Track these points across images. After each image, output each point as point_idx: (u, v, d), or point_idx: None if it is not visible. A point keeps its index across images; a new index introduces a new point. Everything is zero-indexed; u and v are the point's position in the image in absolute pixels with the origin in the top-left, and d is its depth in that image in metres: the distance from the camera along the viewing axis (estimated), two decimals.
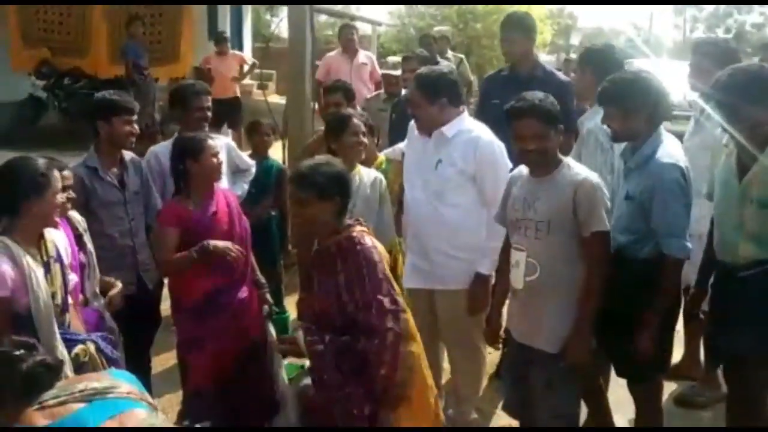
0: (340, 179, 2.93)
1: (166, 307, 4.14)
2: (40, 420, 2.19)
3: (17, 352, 2.28)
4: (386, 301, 2.77)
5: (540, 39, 23.86)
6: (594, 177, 3.10)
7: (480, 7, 20.44)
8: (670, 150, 3.14)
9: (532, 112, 3.04)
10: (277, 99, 10.48)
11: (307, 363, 4.77)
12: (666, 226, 3.03)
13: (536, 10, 22.65)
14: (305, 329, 2.92)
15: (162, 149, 4.16)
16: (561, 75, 4.72)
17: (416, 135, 3.76)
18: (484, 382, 4.16)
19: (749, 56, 10.12)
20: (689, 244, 3.06)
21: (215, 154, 3.52)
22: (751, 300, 3.01)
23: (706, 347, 3.62)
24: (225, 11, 13.33)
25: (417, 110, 3.64)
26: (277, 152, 7.00)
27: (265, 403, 3.68)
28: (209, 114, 4.17)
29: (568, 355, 3.06)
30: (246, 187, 4.21)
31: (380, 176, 3.91)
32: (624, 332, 3.10)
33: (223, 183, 3.96)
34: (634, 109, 3.12)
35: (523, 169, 3.25)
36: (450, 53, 9.59)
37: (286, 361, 4.40)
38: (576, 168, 3.12)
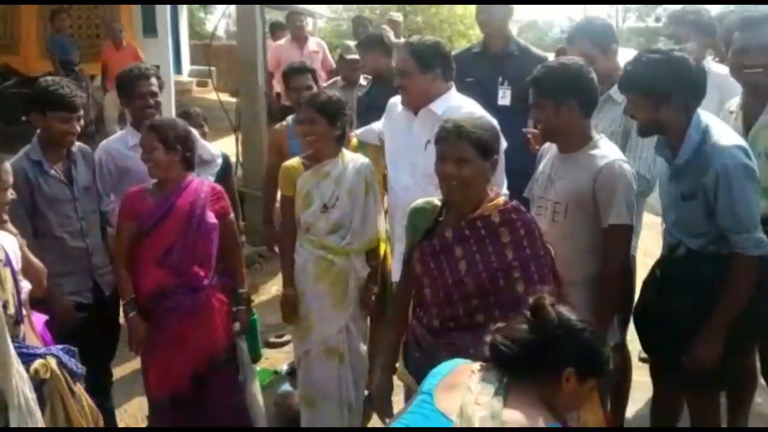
0: (498, 138, 2.64)
1: None
2: None
3: None
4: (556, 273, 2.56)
5: (474, 33, 23.87)
6: (619, 162, 2.74)
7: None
8: (722, 129, 2.71)
9: (534, 83, 2.83)
10: (216, 96, 10.03)
11: (284, 367, 4.51)
12: (735, 220, 2.61)
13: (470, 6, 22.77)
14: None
15: (112, 144, 3.79)
16: (537, 50, 4.44)
17: (399, 113, 3.46)
18: None
19: None
20: (766, 238, 2.64)
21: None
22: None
23: None
24: (162, 6, 12.83)
25: (407, 80, 3.32)
26: (230, 146, 6.69)
27: (229, 414, 3.40)
28: (154, 101, 3.75)
29: None
30: (212, 179, 3.83)
31: (367, 161, 3.52)
32: (681, 339, 2.76)
33: None
34: (665, 96, 2.65)
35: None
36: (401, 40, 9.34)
37: (258, 367, 4.12)
38: (604, 149, 2.78)
